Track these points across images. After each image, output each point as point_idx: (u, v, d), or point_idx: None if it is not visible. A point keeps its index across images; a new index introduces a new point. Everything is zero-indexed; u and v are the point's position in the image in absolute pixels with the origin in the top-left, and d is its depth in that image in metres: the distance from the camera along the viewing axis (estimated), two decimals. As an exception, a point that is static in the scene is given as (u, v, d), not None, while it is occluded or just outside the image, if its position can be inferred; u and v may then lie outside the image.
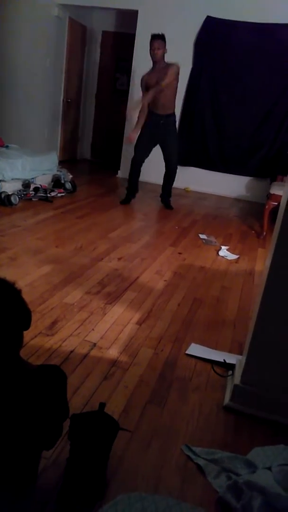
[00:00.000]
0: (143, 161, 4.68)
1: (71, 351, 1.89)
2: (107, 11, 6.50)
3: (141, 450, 1.42)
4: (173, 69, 4.29)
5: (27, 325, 1.00)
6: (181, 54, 4.40)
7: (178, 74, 4.35)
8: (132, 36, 5.86)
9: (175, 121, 4.61)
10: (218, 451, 1.44)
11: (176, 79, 4.37)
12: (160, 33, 4.26)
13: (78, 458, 1.22)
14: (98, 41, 7.09)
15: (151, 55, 4.33)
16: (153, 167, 4.98)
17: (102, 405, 1.30)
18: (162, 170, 4.81)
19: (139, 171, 4.72)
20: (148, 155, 4.68)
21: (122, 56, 6.86)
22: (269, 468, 1.32)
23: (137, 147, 4.63)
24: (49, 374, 1.06)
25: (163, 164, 4.77)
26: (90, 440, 1.22)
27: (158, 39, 4.25)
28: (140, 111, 4.49)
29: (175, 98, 4.49)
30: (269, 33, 5.26)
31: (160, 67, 4.32)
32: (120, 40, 6.84)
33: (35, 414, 0.99)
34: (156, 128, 4.52)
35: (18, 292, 0.98)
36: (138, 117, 4.51)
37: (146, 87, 4.41)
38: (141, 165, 4.68)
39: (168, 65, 4.33)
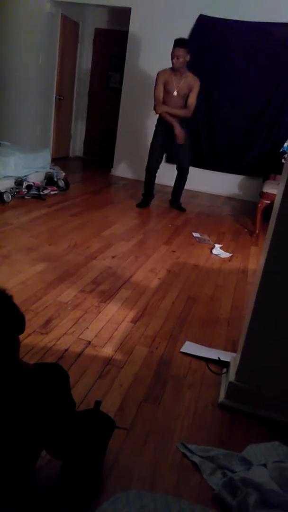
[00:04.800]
0: (158, 168, 4.69)
1: (66, 350, 1.89)
2: (99, 8, 6.46)
3: (137, 448, 1.42)
4: (198, 87, 4.30)
5: (21, 330, 0.98)
6: (174, 52, 4.36)
7: None
8: (125, 34, 5.83)
9: (186, 127, 4.53)
10: (213, 448, 1.44)
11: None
12: (183, 38, 4.08)
13: (74, 456, 1.22)
14: (91, 38, 7.05)
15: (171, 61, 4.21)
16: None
17: (98, 403, 1.30)
18: (160, 171, 4.79)
19: (154, 178, 4.72)
20: (161, 162, 4.70)
21: (114, 53, 6.83)
22: (264, 465, 1.33)
23: (151, 156, 4.65)
24: (48, 373, 1.05)
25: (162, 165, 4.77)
26: (86, 439, 1.22)
27: (180, 47, 4.10)
28: (161, 108, 4.40)
29: (186, 106, 4.44)
30: (263, 32, 5.27)
31: (181, 75, 4.26)
32: (113, 37, 6.81)
33: (34, 414, 0.98)
34: (168, 137, 4.48)
35: (9, 298, 0.95)
36: (166, 115, 4.41)
37: (164, 89, 4.36)
38: (156, 172, 4.69)
39: (192, 79, 4.29)
